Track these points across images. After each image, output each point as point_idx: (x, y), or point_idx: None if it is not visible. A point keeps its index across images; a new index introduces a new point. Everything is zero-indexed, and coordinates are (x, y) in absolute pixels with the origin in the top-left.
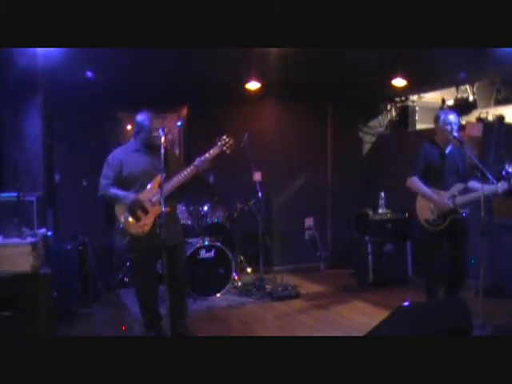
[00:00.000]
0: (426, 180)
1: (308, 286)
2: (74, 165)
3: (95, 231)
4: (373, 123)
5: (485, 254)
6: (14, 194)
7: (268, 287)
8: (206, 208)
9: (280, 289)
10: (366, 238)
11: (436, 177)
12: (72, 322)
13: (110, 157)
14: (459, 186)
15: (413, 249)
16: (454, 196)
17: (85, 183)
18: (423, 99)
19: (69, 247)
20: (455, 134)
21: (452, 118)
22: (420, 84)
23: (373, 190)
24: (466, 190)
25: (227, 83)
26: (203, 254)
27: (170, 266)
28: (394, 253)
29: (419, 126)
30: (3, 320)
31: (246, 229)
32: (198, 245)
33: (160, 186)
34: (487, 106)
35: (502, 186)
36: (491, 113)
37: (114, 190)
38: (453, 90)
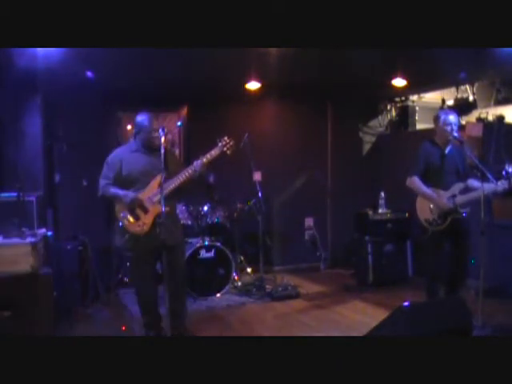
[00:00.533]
0: (425, 180)
1: (308, 286)
2: (74, 165)
3: (95, 231)
4: (373, 123)
5: (485, 254)
6: (14, 194)
7: (268, 287)
8: (206, 208)
9: (280, 289)
10: (366, 238)
11: (436, 177)
12: (72, 322)
13: (109, 157)
14: (459, 186)
15: (413, 249)
16: (453, 196)
17: (85, 183)
18: (423, 99)
19: (69, 247)
20: (455, 134)
21: (452, 118)
22: (420, 84)
23: (373, 190)
24: (466, 190)
25: (227, 83)
26: (203, 253)
27: (170, 265)
28: (394, 253)
29: (419, 126)
30: (3, 320)
31: (246, 229)
32: (197, 245)
33: (160, 186)
34: (487, 106)
35: (501, 185)
36: (491, 113)
37: (113, 190)
38: (453, 90)
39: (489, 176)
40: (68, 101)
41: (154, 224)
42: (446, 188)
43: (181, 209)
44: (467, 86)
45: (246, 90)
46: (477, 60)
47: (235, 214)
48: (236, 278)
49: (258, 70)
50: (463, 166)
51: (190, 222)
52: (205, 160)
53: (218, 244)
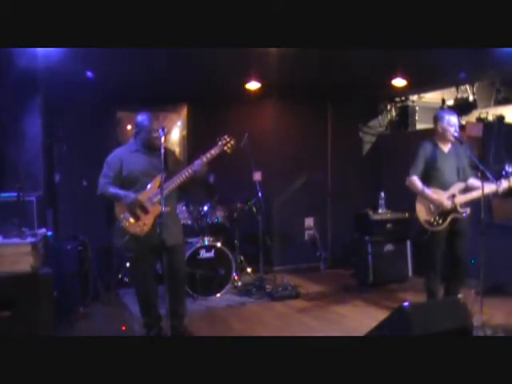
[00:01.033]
0: (425, 180)
1: (308, 286)
2: (74, 165)
3: (95, 231)
4: (373, 123)
5: (485, 254)
6: (14, 194)
7: (268, 287)
8: (206, 208)
9: (280, 289)
10: (366, 238)
11: (435, 176)
12: (72, 321)
13: (109, 157)
14: (459, 186)
15: (413, 249)
16: (453, 195)
17: (85, 183)
18: (423, 99)
19: (69, 247)
20: (456, 134)
21: (454, 119)
22: (420, 84)
23: (373, 190)
24: (466, 190)
25: (227, 83)
26: (203, 254)
27: (170, 265)
28: (394, 253)
29: (419, 126)
30: (3, 320)
31: (246, 229)
32: (197, 245)
33: (160, 186)
34: (487, 106)
35: (501, 185)
36: (491, 113)
37: (113, 189)
38: (453, 90)
39: (489, 176)
40: (68, 101)
41: (155, 224)
42: (445, 188)
43: (181, 209)
44: (467, 86)
45: (246, 89)
46: (477, 60)
47: (235, 214)
48: (236, 278)
49: (258, 70)
50: (463, 165)
51: (190, 222)
52: (205, 159)
53: (218, 244)
